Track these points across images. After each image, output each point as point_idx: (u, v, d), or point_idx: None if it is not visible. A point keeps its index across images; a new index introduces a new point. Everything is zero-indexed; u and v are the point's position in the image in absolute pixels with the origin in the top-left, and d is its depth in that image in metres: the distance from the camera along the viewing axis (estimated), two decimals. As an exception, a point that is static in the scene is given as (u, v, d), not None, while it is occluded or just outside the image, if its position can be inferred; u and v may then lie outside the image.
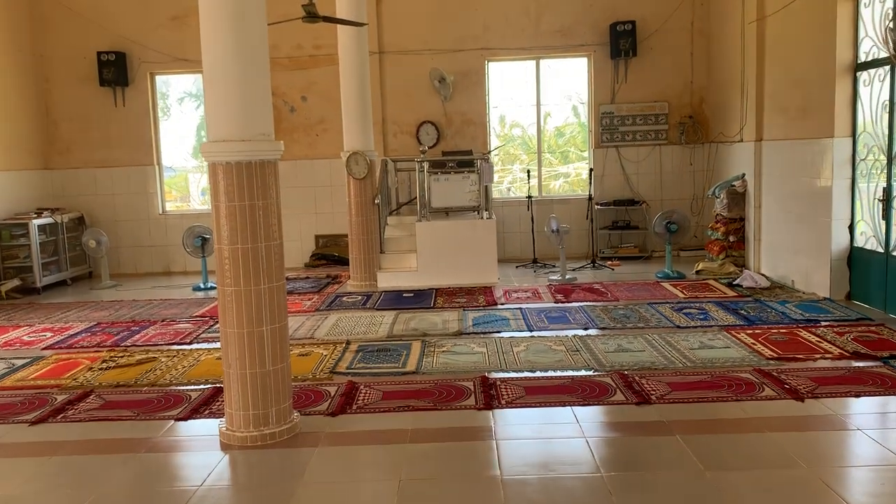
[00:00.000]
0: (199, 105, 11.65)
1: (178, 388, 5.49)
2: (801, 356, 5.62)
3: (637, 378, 5.21)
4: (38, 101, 10.99)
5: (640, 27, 10.60)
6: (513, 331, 6.74)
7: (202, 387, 5.48)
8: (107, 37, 10.85)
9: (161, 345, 6.81)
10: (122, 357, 6.38)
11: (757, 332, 6.38)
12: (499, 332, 6.72)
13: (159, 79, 11.40)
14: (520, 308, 7.68)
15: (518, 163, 11.71)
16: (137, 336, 7.16)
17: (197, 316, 7.95)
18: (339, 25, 9.04)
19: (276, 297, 4.34)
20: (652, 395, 4.86)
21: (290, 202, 11.01)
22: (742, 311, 7.13)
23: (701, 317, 7.00)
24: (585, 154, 11.56)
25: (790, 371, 5.26)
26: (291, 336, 6.80)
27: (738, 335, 6.29)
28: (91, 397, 5.33)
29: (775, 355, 5.66)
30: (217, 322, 7.52)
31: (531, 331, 6.72)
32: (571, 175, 11.75)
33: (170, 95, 11.75)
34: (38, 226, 9.93)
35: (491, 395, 4.93)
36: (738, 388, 4.94)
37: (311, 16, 6.75)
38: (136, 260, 11.27)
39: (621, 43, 10.58)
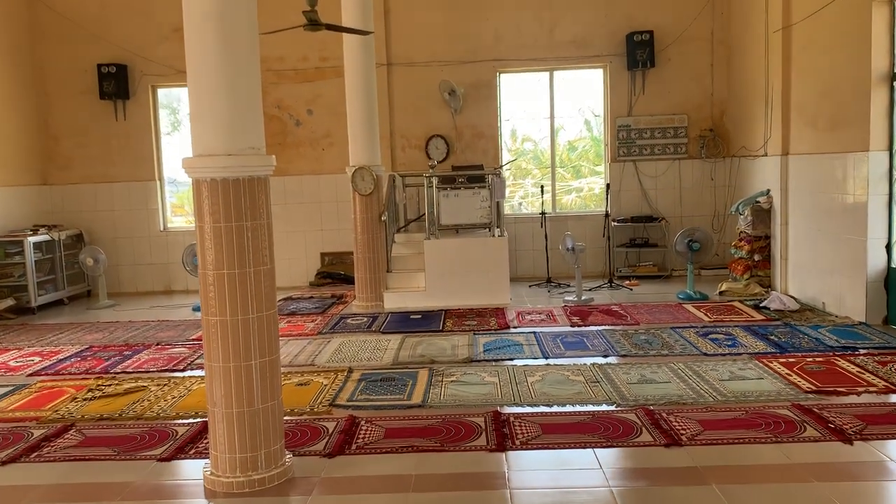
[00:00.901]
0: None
1: (166, 421, 5.07)
2: (842, 389, 5.14)
3: (664, 414, 4.75)
4: (37, 115, 10.70)
5: (658, 37, 10.20)
6: (527, 358, 6.30)
7: (191, 421, 5.06)
8: (108, 49, 10.56)
9: (152, 371, 6.41)
10: (109, 385, 5.98)
11: (791, 360, 5.91)
12: (511, 359, 6.28)
13: (169, 92, 11.09)
14: (534, 332, 7.23)
15: (530, 177, 11.29)
16: (129, 362, 6.76)
17: (193, 339, 7.55)
18: (344, 35, 8.70)
19: (267, 327, 3.92)
20: (682, 435, 4.40)
21: (295, 218, 10.68)
22: (772, 337, 6.65)
23: (729, 343, 6.53)
24: (599, 168, 11.14)
25: (832, 407, 4.78)
26: (290, 362, 6.40)
27: (771, 364, 5.81)
28: (71, 432, 4.93)
29: (814, 388, 5.19)
30: (213, 346, 7.12)
31: (546, 358, 6.27)
32: (584, 190, 11.33)
33: (180, 110, 11.37)
34: (34, 243, 9.60)
35: (504, 435, 4.48)
36: (777, 427, 4.47)
37: (314, 23, 6.39)
38: (136, 278, 10.91)
39: (638, 53, 10.17)
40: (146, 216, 10.84)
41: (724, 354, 6.18)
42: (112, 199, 10.83)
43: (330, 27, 6.59)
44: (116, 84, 10.48)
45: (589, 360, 6.14)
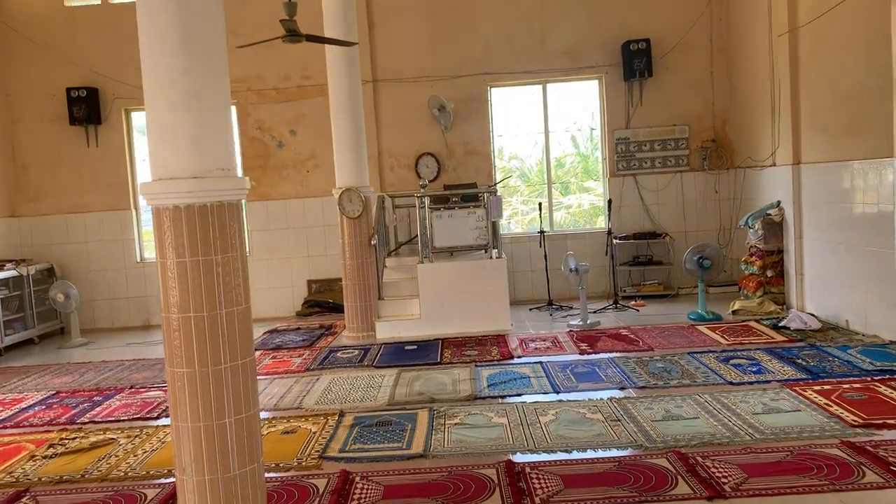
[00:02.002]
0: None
1: (134, 483, 4.46)
2: (892, 422, 4.61)
3: (700, 459, 4.20)
4: (4, 143, 10.11)
5: (655, 46, 9.76)
6: (536, 393, 5.74)
7: (162, 481, 4.46)
8: (77, 72, 10.00)
9: (123, 420, 5.80)
10: (73, 439, 5.36)
11: (826, 388, 5.38)
12: (519, 394, 5.71)
13: (144, 116, 10.52)
14: (540, 362, 6.67)
15: (518, 195, 10.77)
16: (98, 409, 6.14)
17: (170, 380, 6.92)
18: (327, 51, 8.21)
19: (243, 378, 3.35)
20: (724, 484, 3.85)
21: (279, 245, 10.13)
22: (800, 361, 6.13)
23: (754, 369, 6.00)
24: (588, 184, 10.67)
25: (887, 444, 4.25)
26: (276, 406, 5.80)
27: (805, 393, 5.28)
28: (24, 499, 4.31)
29: (860, 421, 4.65)
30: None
31: (557, 392, 5.71)
32: (573, 206, 10.84)
33: None
34: (1, 279, 8.97)
35: (521, 491, 3.91)
36: (831, 471, 3.93)
37: (293, 34, 5.87)
38: (112, 313, 10.28)
39: (635, 63, 9.73)
40: (122, 247, 10.24)
41: (751, 383, 5.64)
42: (85, 230, 10.22)
43: (311, 38, 6.07)
44: (87, 108, 9.92)
45: (605, 394, 5.58)
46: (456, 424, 5.07)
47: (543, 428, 4.89)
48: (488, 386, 5.98)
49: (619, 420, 4.95)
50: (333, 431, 5.10)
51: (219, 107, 3.29)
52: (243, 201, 3.40)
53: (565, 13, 9.95)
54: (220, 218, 3.24)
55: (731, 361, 6.28)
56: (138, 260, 10.32)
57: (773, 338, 7.06)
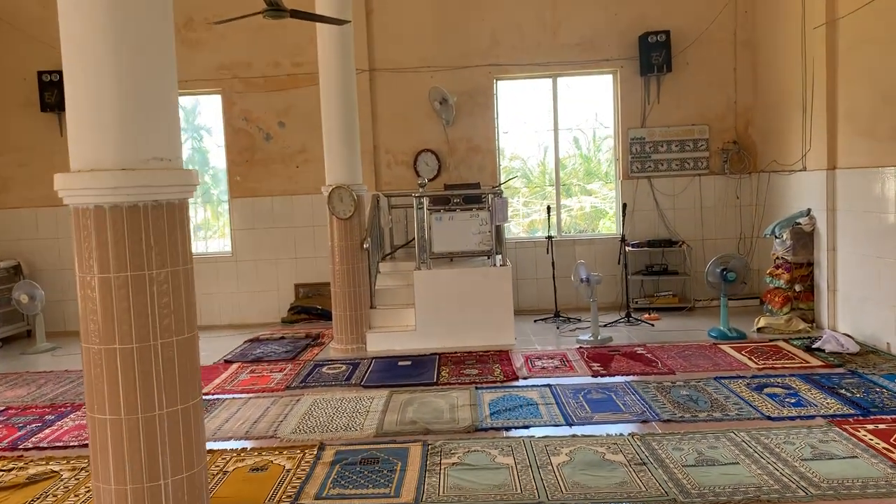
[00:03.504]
0: (188, 138, 10.00)
1: (68, 533, 3.74)
2: (971, 475, 3.89)
3: (748, 522, 3.47)
4: (-30, 129, 9.37)
5: (675, 38, 9.04)
6: (546, 424, 5.01)
7: (101, 532, 3.72)
8: (50, 54, 9.24)
9: (72, 447, 5.06)
10: (9, 471, 4.63)
11: (881, 427, 4.66)
12: (527, 426, 4.99)
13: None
14: (548, 385, 5.95)
15: (518, 195, 10.03)
16: (47, 432, 5.41)
17: (135, 397, 6.19)
18: (318, 35, 7.49)
19: (185, 427, 2.63)
20: (784, 560, 3.13)
21: (265, 246, 9.41)
22: (843, 392, 5.41)
23: (792, 401, 5.28)
24: (591, 187, 9.95)
25: (973, 507, 3.53)
26: (247, 433, 5.08)
27: (858, 433, 4.56)
28: (-67, 553, 3.58)
29: (932, 473, 3.93)
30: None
31: (570, 424, 4.99)
32: (574, 209, 10.12)
33: None
34: (-41, 278, 8.23)
35: (533, 564, 3.19)
36: (914, 544, 3.21)
37: (275, 8, 5.13)
38: (83, 315, 9.52)
39: (653, 57, 9.00)
40: (96, 244, 9.48)
41: (792, 418, 4.92)
42: (56, 224, 9.46)
43: (296, 14, 5.34)
44: (60, 94, 9.14)
45: (625, 429, 4.86)
46: (454, 465, 4.34)
47: (556, 472, 4.17)
48: (491, 414, 5.25)
49: (644, 464, 4.23)
50: (310, 470, 4.36)
51: (159, 80, 2.57)
52: (190, 201, 2.67)
53: (580, 2, 9.22)
54: (156, 222, 2.51)
55: (766, 390, 5.56)
56: (114, 258, 9.57)
57: (807, 361, 6.34)
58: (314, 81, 7.81)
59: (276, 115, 9.41)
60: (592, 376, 6.17)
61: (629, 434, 4.73)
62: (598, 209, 10.10)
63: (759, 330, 7.59)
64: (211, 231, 9.79)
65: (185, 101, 9.86)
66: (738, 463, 4.19)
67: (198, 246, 10.02)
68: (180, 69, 8.99)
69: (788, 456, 4.25)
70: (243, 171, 9.44)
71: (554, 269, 8.83)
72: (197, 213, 10.20)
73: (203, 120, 9.77)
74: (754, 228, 9.19)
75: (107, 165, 2.44)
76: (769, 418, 4.93)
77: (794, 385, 5.65)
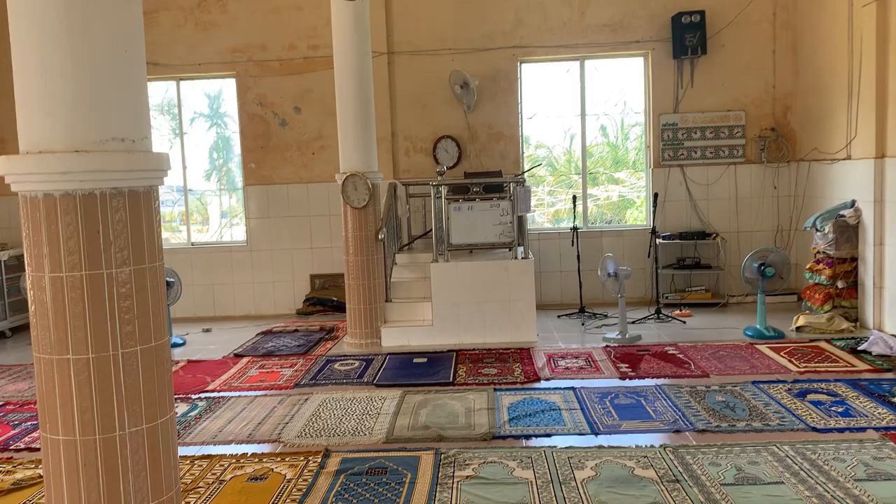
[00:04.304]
0: (212, 126, 9.71)
1: (46, 548, 3.43)
2: None
3: (798, 556, 3.07)
4: (-20, 114, 9.16)
5: (711, 19, 8.53)
6: (569, 433, 4.63)
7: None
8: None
9: (65, 448, 4.77)
10: (-4, 474, 4.36)
11: (942, 442, 4.21)
12: (549, 435, 4.61)
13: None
14: (572, 388, 5.56)
15: (543, 184, 9.58)
16: (41, 430, 5.13)
17: (137, 393, 5.91)
18: (333, 16, 7.13)
19: (151, 449, 2.29)
20: None
21: (280, 235, 9.11)
22: (895, 400, 4.96)
23: (839, 410, 4.84)
24: (618, 176, 9.48)
25: None
26: (249, 436, 4.76)
27: (916, 449, 4.12)
28: None
29: None
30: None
31: (596, 433, 4.60)
32: (600, 199, 9.66)
33: (184, 116, 9.60)
34: (-34, 266, 8.03)
35: None
36: None
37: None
38: (95, 305, 9.30)
39: (687, 38, 8.51)
40: (107, 232, 9.24)
41: (840, 430, 4.49)
42: (67, 212, 9.23)
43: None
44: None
45: (656, 440, 4.46)
46: (468, 478, 3.97)
47: (580, 489, 3.79)
48: (510, 420, 4.88)
49: (677, 481, 3.83)
50: (313, 480, 4.03)
51: (121, 47, 2.21)
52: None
53: (608, -20, 8.75)
54: (116, 213, 2.17)
55: (809, 397, 5.12)
56: (126, 247, 9.33)
57: (852, 365, 5.88)
58: (331, 65, 7.44)
59: (291, 99, 9.07)
60: (620, 379, 5.77)
61: (661, 446, 4.33)
62: (625, 199, 9.64)
63: (798, 329, 7.12)
64: (236, 218, 9.50)
65: (208, 88, 9.55)
66: (782, 482, 3.78)
67: (222, 234, 9.74)
68: (194, 52, 8.64)
69: (839, 475, 3.83)
70: (258, 158, 9.13)
71: (579, 261, 8.41)
72: (222, 202, 9.92)
73: (226, 108, 9.46)
74: (792, 221, 8.69)
75: (56, 147, 2.10)
76: (815, 430, 4.50)
77: (839, 391, 5.20)
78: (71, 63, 2.09)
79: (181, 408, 5.50)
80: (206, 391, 5.92)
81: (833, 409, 4.86)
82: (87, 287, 2.14)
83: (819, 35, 8.07)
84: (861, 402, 4.97)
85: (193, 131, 9.56)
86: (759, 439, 4.39)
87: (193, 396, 5.78)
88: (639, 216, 9.50)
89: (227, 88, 9.36)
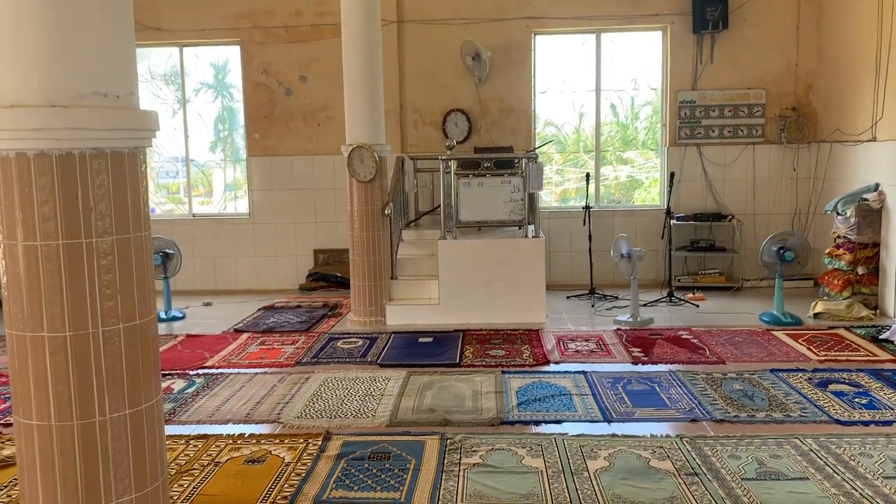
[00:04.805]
0: (217, 96, 9.44)
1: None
2: None
3: (828, 559, 2.88)
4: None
5: (733, -8, 8.22)
6: (580, 420, 4.43)
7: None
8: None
9: (57, 424, 4.60)
10: (-16, 450, 4.19)
11: (974, 439, 4.01)
12: (559, 421, 4.41)
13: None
14: (583, 371, 5.36)
15: (551, 163, 9.30)
16: (33, 404, 4.96)
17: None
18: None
19: (135, 437, 2.09)
20: None
21: (284, 209, 8.90)
22: (922, 392, 4.75)
23: (863, 401, 4.63)
24: (628, 155, 9.21)
25: None
26: (248, 416, 4.58)
27: (947, 445, 3.92)
28: None
29: None
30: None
31: (609, 421, 4.40)
32: (609, 179, 9.39)
33: (188, 86, 9.30)
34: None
35: None
36: None
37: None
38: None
39: (708, 12, 8.21)
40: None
41: (865, 423, 4.28)
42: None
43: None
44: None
45: (672, 429, 4.26)
46: (475, 466, 3.78)
47: (593, 480, 3.60)
48: (518, 404, 4.69)
49: (696, 474, 3.63)
50: (312, 465, 3.85)
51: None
52: (147, 150, 2.10)
53: (628, -50, 8.42)
54: (97, 176, 1.95)
55: (830, 387, 4.92)
56: (126, 217, 9.13)
57: (874, 354, 5.67)
58: (338, 33, 7.16)
59: (297, 68, 8.80)
60: (633, 363, 5.56)
61: (677, 436, 4.13)
62: (633, 179, 9.38)
63: (815, 316, 6.90)
64: (240, 190, 9.25)
65: (214, 57, 9.27)
66: (807, 478, 3.58)
67: (226, 206, 9.51)
68: (197, 17, 8.32)
69: (867, 471, 3.63)
70: (262, 129, 8.88)
71: (591, 242, 8.17)
72: (226, 174, 9.69)
73: (231, 79, 9.16)
74: (811, 204, 8.43)
75: (30, 101, 1.88)
76: (839, 422, 4.30)
77: (862, 382, 4.99)
78: (46, 4, 1.86)
79: (178, 384, 5.33)
80: (205, 367, 5.75)
81: (857, 400, 4.66)
82: (63, 258, 1.93)
83: (846, 11, 7.76)
84: (886, 393, 4.77)
85: (198, 102, 9.30)
86: (781, 431, 4.19)
87: (191, 372, 5.61)
88: (647, 197, 9.25)
89: (232, 58, 9.08)
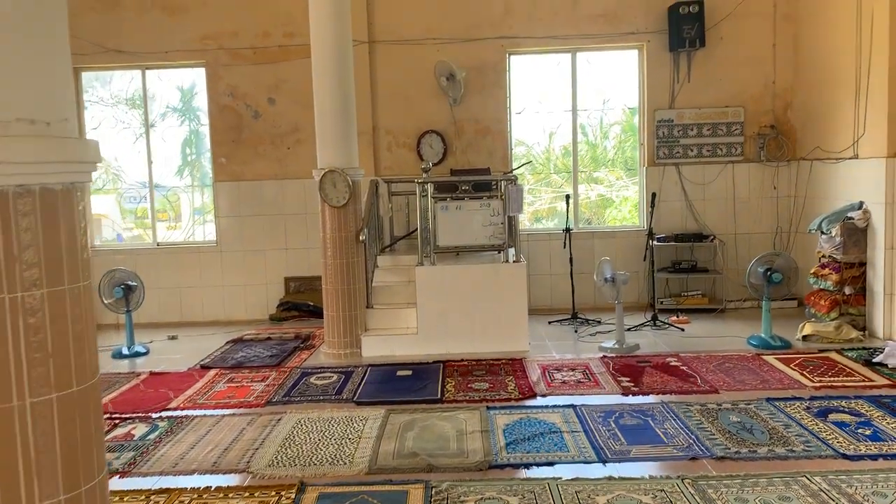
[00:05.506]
0: (184, 121, 9.07)
1: None
2: None
3: None
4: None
5: (710, 10, 8.10)
6: (574, 460, 4.15)
7: None
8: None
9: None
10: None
11: None
12: (551, 463, 4.12)
13: (97, 76, 8.85)
14: (572, 405, 5.09)
15: (524, 183, 9.06)
16: None
17: (91, 411, 5.34)
18: (310, 1, 6.58)
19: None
20: None
21: (253, 235, 8.55)
22: (925, 420, 4.55)
23: (867, 433, 4.42)
24: (599, 175, 9.05)
25: None
26: (214, 465, 4.23)
27: (960, 480, 3.70)
28: None
29: None
30: (119, 422, 4.93)
31: (603, 461, 4.12)
32: (581, 197, 9.18)
33: (154, 110, 8.93)
34: None
35: None
36: None
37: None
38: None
39: (685, 30, 8.08)
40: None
41: (873, 457, 4.06)
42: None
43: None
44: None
45: (671, 468, 4.00)
46: (464, 519, 3.48)
47: (593, 532, 3.31)
48: (507, 444, 4.39)
49: (703, 522, 3.37)
50: (285, 522, 3.51)
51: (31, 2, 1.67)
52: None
53: (602, -32, 8.29)
54: (24, 218, 1.63)
55: (831, 416, 4.70)
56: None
57: (869, 379, 5.48)
58: (308, 54, 6.88)
59: (265, 90, 8.50)
60: (622, 394, 5.31)
61: (678, 476, 3.87)
62: (604, 198, 9.20)
63: (804, 338, 6.72)
64: (209, 215, 8.86)
65: (180, 80, 8.92)
66: (821, 523, 3.33)
67: (194, 231, 9.12)
68: (161, 38, 7.98)
69: (883, 513, 3.40)
70: (229, 153, 8.55)
71: (572, 265, 7.94)
72: (194, 199, 9.30)
73: (199, 101, 8.81)
74: (793, 222, 8.31)
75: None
76: (845, 456, 4.07)
77: (862, 410, 4.79)
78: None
79: (140, 429, 4.95)
80: (169, 409, 5.37)
81: (860, 431, 4.44)
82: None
83: (823, 28, 7.69)
84: (888, 422, 4.56)
85: (165, 126, 8.94)
86: (786, 468, 3.95)
87: (154, 416, 5.23)
88: (618, 215, 9.08)
89: (199, 80, 8.74)
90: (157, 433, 4.85)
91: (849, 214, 6.92)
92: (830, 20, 7.49)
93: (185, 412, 5.28)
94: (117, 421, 5.11)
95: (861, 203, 6.93)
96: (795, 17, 8.21)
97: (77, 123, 1.79)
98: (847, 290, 6.93)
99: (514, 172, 7.66)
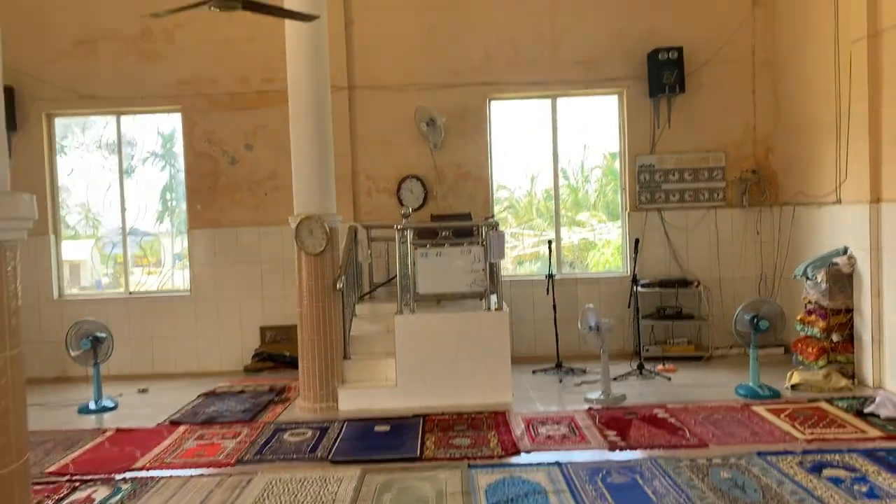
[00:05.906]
0: (165, 166, 8.90)
1: None
2: None
3: None
4: None
5: (689, 56, 8.12)
6: (559, 524, 3.93)
7: None
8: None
9: None
10: None
11: None
12: (536, 528, 3.90)
13: (70, 122, 8.69)
14: (558, 464, 4.86)
15: (505, 227, 8.97)
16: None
17: (50, 472, 5.05)
18: (287, 44, 6.51)
19: None
20: None
21: (228, 283, 8.35)
22: (923, 476, 4.39)
23: (863, 489, 4.24)
24: (580, 218, 8.98)
25: None
26: (177, 535, 3.94)
27: (964, 542, 3.52)
28: None
29: None
30: (79, 485, 4.64)
31: (591, 525, 3.91)
32: (564, 240, 9.08)
33: (134, 155, 8.75)
34: None
35: None
36: None
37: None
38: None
39: (665, 76, 8.07)
40: (35, 280, 8.33)
41: (872, 517, 3.88)
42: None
43: (250, 6, 4.31)
44: (-2, 110, 8.08)
45: (663, 533, 3.79)
46: None
47: None
48: (489, 508, 4.17)
49: None
50: None
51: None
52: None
53: (582, 16, 8.32)
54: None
55: (825, 472, 4.52)
56: (56, 296, 8.45)
57: (862, 431, 5.32)
58: (286, 100, 6.77)
59: (243, 136, 8.38)
60: (609, 450, 5.10)
61: (669, 542, 3.66)
62: (586, 241, 9.10)
63: (793, 387, 6.57)
64: (187, 259, 8.62)
65: (161, 126, 8.77)
66: None
67: (174, 276, 8.86)
68: (136, 84, 7.85)
69: (887, 581, 3.20)
70: (205, 199, 8.38)
71: (555, 311, 7.79)
72: (173, 245, 9.07)
73: (179, 147, 8.65)
74: (777, 267, 8.22)
75: None
76: (843, 517, 3.88)
77: (857, 465, 4.62)
78: None
79: (101, 492, 4.67)
80: (133, 469, 5.09)
81: (856, 488, 4.26)
82: None
83: (801, 74, 7.72)
84: (884, 478, 4.39)
85: (145, 171, 8.77)
86: (782, 531, 3.75)
87: (118, 477, 4.95)
88: (601, 258, 8.97)
89: (178, 126, 8.60)
90: (118, 497, 4.57)
91: (834, 260, 6.84)
92: (809, 66, 7.53)
93: (150, 472, 5.01)
94: (77, 484, 4.82)
95: (846, 248, 6.86)
96: (774, 62, 8.26)
97: (7, 176, 1.61)
98: (835, 337, 6.81)
99: (495, 218, 7.52)
